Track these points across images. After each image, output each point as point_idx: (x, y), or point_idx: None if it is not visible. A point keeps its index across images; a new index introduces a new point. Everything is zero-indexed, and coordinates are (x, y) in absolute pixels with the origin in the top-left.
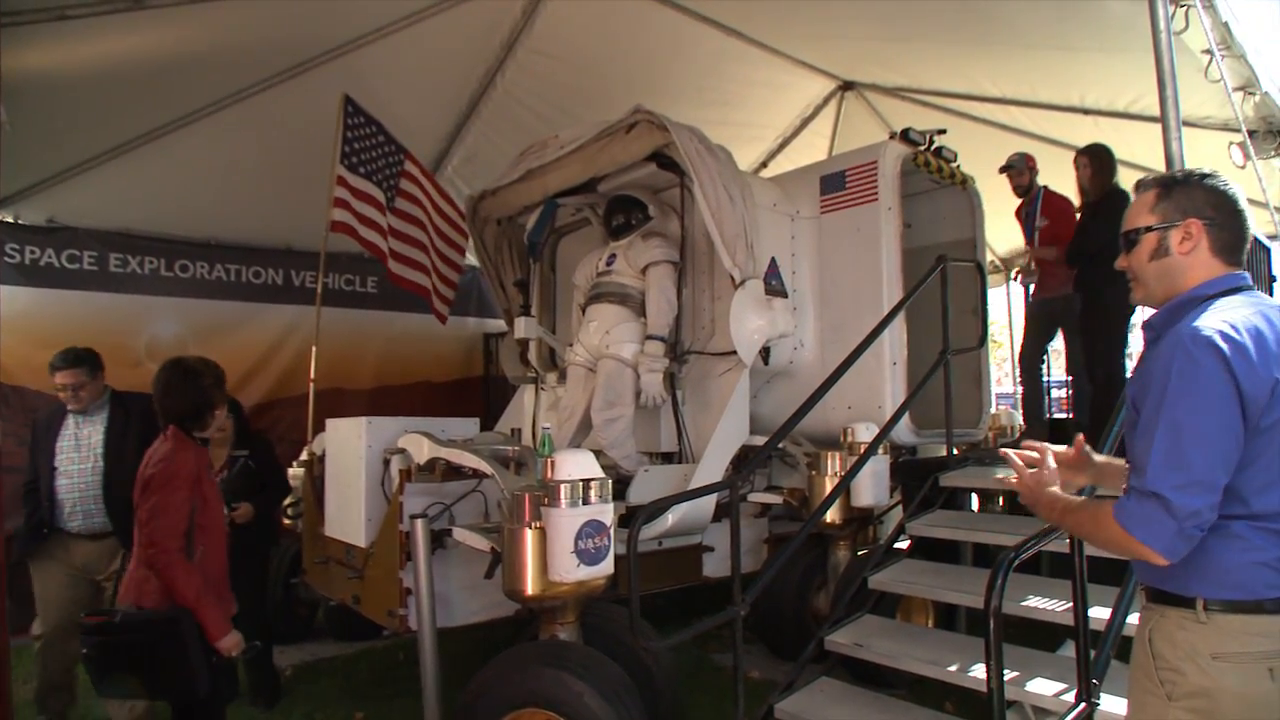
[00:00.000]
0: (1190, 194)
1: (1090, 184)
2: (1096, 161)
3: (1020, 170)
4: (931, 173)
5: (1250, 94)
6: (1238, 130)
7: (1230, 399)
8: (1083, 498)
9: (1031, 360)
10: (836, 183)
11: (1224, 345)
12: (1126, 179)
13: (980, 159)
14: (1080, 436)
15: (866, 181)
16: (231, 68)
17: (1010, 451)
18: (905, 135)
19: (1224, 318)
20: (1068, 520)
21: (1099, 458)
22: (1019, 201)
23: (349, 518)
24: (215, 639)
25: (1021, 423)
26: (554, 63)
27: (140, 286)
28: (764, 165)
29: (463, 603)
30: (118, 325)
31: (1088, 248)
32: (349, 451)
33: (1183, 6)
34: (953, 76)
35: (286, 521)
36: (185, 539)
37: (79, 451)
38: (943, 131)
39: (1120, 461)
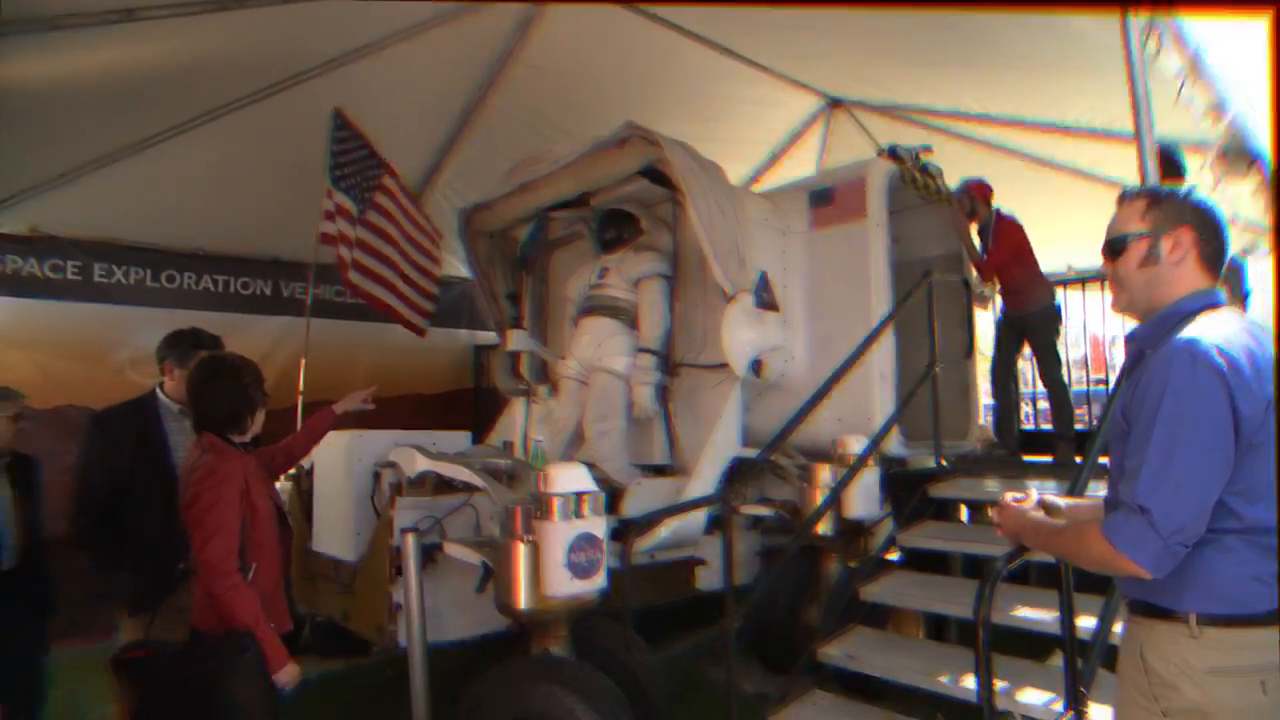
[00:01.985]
0: (1180, 205)
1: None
2: (1165, 166)
3: (960, 201)
4: (918, 189)
5: (1221, 116)
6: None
7: (1224, 417)
8: (1065, 521)
9: (1002, 373)
10: (825, 198)
11: (1221, 361)
12: (1108, 196)
13: (965, 175)
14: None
15: (855, 197)
16: (223, 79)
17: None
18: (892, 152)
19: (1218, 334)
20: (1053, 544)
21: (1064, 502)
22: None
23: (337, 532)
24: (273, 669)
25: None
26: (547, 78)
27: (125, 297)
28: (754, 180)
29: (453, 618)
30: (101, 336)
31: None
32: (338, 465)
33: (1155, 31)
34: (938, 95)
35: None
36: (240, 556)
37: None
38: (929, 148)
39: (1086, 501)
